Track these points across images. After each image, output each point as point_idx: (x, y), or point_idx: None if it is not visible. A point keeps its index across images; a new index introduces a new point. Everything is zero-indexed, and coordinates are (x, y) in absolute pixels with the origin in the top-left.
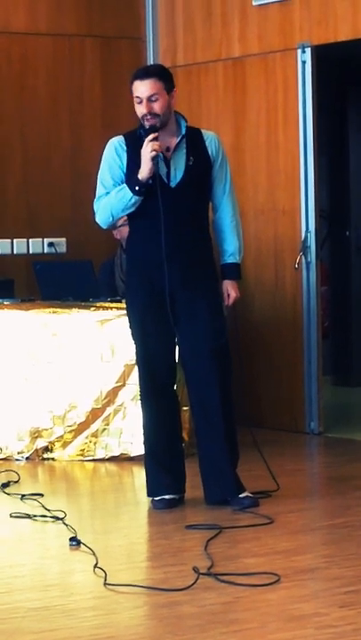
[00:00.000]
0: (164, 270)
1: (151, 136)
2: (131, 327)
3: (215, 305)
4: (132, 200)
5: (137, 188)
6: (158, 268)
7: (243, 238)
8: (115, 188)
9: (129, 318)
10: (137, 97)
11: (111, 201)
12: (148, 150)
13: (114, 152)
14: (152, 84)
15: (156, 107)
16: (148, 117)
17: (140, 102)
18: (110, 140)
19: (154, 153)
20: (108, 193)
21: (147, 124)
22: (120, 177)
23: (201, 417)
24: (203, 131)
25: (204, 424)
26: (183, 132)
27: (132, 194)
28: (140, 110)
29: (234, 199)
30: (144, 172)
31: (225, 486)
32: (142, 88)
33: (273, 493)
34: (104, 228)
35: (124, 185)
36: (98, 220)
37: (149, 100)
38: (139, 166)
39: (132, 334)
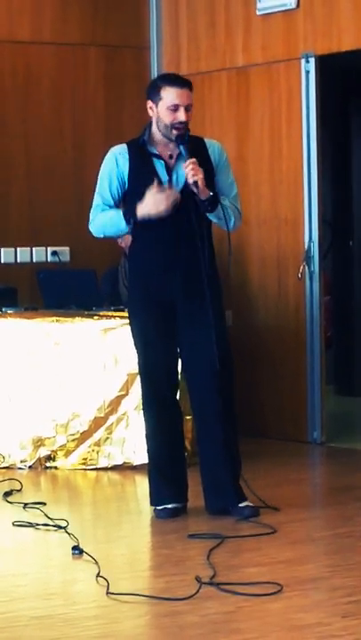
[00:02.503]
0: (166, 280)
1: (193, 160)
2: (133, 336)
3: (217, 315)
4: (126, 229)
5: (132, 221)
6: (160, 277)
7: (245, 247)
8: (111, 210)
9: (131, 327)
10: (174, 104)
11: (105, 222)
12: (189, 175)
13: (114, 162)
14: (190, 95)
15: (189, 117)
16: (180, 126)
17: (176, 109)
18: (111, 149)
19: (197, 178)
20: (104, 203)
21: (175, 133)
22: (117, 188)
23: (202, 426)
24: (206, 139)
25: (204, 433)
26: (179, 151)
27: (125, 224)
28: (175, 117)
29: (237, 206)
30: (145, 213)
31: (225, 495)
32: (184, 96)
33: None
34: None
35: (120, 212)
36: (91, 230)
37: (186, 109)
38: (141, 174)
39: (135, 344)
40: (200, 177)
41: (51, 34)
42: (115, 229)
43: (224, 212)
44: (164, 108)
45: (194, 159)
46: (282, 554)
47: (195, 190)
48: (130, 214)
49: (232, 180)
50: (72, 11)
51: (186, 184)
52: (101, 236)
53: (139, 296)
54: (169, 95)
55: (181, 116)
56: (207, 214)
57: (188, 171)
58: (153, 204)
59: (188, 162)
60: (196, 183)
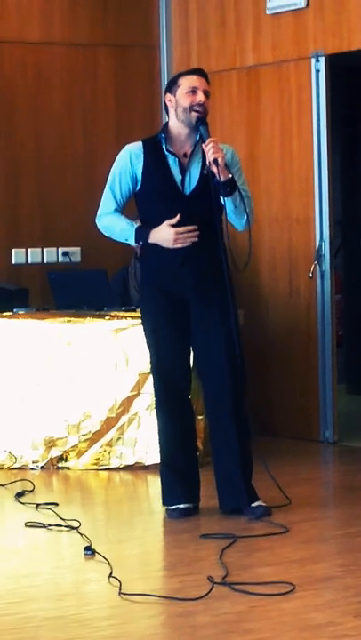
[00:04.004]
0: (179, 277)
1: (214, 139)
2: (145, 334)
3: (230, 314)
4: (133, 244)
5: (141, 242)
6: (172, 275)
7: (257, 247)
8: (123, 221)
9: (143, 326)
10: (193, 87)
11: (114, 230)
12: (209, 153)
13: (128, 160)
14: (206, 83)
15: (207, 103)
16: (198, 108)
17: (195, 92)
18: (126, 146)
19: (217, 156)
20: (114, 198)
21: (194, 115)
22: (128, 187)
23: (215, 426)
24: (219, 144)
25: (217, 433)
26: (197, 137)
27: (134, 241)
28: (193, 98)
29: (248, 200)
30: (158, 240)
31: (237, 495)
32: (200, 81)
33: (284, 507)
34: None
35: (133, 228)
36: (98, 225)
37: (204, 93)
38: (156, 171)
39: (147, 342)
40: (221, 155)
41: (61, 34)
42: (121, 240)
43: (242, 198)
44: (183, 93)
45: (215, 139)
46: (294, 553)
47: (215, 170)
48: (142, 237)
49: (244, 181)
50: (81, 11)
51: (197, 185)
52: (107, 235)
53: (151, 294)
54: (186, 81)
55: (200, 97)
56: (224, 200)
57: (209, 149)
58: (167, 238)
59: (208, 140)
60: (216, 161)
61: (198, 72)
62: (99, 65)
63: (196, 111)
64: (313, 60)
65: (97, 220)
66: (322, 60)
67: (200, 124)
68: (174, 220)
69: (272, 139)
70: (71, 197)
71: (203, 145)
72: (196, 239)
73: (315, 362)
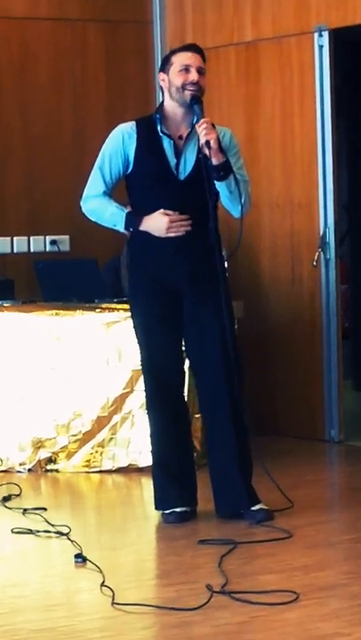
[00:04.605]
0: (171, 266)
1: (207, 120)
2: (135, 328)
3: (225, 305)
4: (121, 230)
5: (131, 229)
6: (166, 265)
7: (257, 233)
8: (112, 205)
9: (133, 318)
10: (185, 64)
11: (103, 213)
12: (202, 135)
13: (120, 140)
14: (201, 60)
15: (202, 81)
16: (192, 87)
17: (188, 70)
18: (119, 126)
19: (210, 138)
20: (103, 179)
21: (189, 94)
22: (118, 169)
23: (211, 425)
24: (216, 126)
25: (213, 432)
26: (194, 119)
27: (123, 228)
28: (186, 77)
29: (245, 184)
30: (150, 228)
31: (236, 498)
32: (193, 58)
33: (287, 510)
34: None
35: (123, 214)
36: (82, 208)
37: (198, 71)
38: (150, 154)
39: (136, 335)
40: (213, 137)
41: (47, 9)
42: (109, 225)
43: (237, 183)
44: (175, 72)
45: (208, 119)
46: (298, 560)
47: (207, 153)
48: (132, 223)
49: (241, 165)
50: None
51: (193, 170)
52: (92, 219)
53: (141, 284)
54: (179, 58)
55: (193, 75)
56: (218, 184)
57: (202, 130)
58: (160, 227)
59: (201, 121)
60: (208, 143)
61: (192, 48)
62: (88, 42)
63: (190, 90)
64: (316, 35)
65: (82, 203)
66: (325, 34)
67: (194, 103)
68: (170, 212)
69: (273, 118)
70: (60, 182)
71: (196, 125)
72: (190, 228)
73: (319, 356)
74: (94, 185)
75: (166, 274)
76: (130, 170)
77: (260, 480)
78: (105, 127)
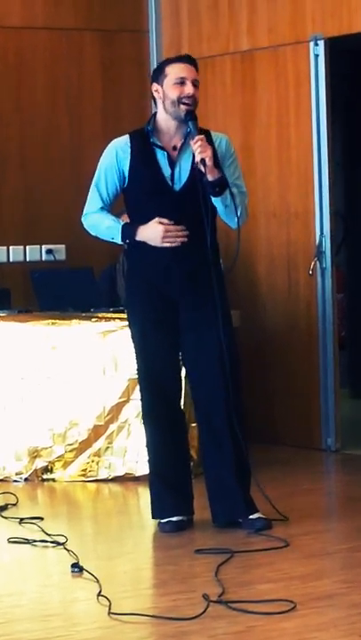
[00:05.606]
0: (168, 276)
1: (202, 137)
2: (132, 337)
3: (222, 314)
4: (119, 242)
5: (128, 240)
6: (162, 275)
7: (254, 242)
8: (108, 218)
9: (130, 327)
10: (180, 77)
11: (100, 228)
12: (197, 152)
13: (114, 157)
14: (195, 72)
15: (196, 93)
16: (187, 101)
17: (183, 83)
18: (113, 142)
19: (204, 156)
20: (100, 196)
21: (184, 108)
22: (115, 184)
23: (207, 433)
24: (212, 132)
25: (209, 441)
26: (187, 130)
27: (120, 240)
28: (182, 90)
29: (245, 203)
30: (146, 238)
31: (233, 506)
32: (187, 70)
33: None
34: None
35: (119, 226)
36: (84, 224)
37: (193, 83)
38: (144, 167)
39: (133, 342)
40: (209, 154)
41: (43, 18)
42: (108, 238)
43: (232, 198)
44: (170, 85)
45: (202, 136)
46: (295, 569)
47: (202, 169)
48: (128, 235)
49: (239, 175)
50: None
51: (188, 180)
52: (93, 234)
53: (138, 292)
54: (173, 70)
55: (189, 89)
56: (213, 199)
57: (196, 147)
58: (155, 236)
59: (196, 138)
60: (203, 161)
61: (186, 59)
62: (84, 51)
63: (185, 104)
64: (312, 44)
65: (83, 220)
66: (321, 43)
67: (189, 119)
68: (165, 221)
69: (268, 128)
70: (56, 191)
71: (191, 142)
72: (186, 239)
73: (316, 365)
74: (92, 202)
75: (163, 283)
76: (126, 183)
77: (255, 490)
78: (101, 135)
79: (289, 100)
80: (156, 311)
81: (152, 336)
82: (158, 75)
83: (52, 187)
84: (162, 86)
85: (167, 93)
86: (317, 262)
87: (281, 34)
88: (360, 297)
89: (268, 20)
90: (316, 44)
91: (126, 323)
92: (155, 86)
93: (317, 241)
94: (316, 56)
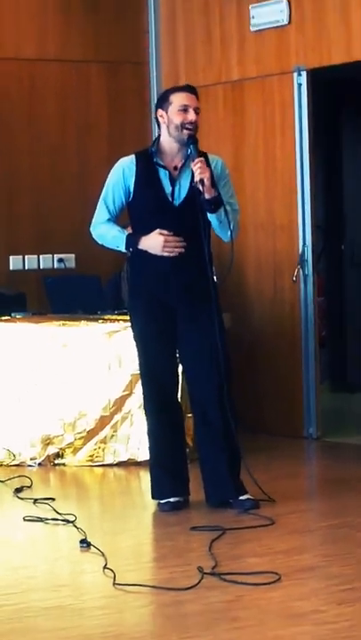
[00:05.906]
0: (168, 283)
1: (201, 159)
2: (134, 337)
3: (216, 321)
4: (124, 251)
5: (131, 249)
6: (162, 284)
7: (243, 252)
8: (114, 228)
9: (132, 330)
10: (184, 104)
11: (106, 237)
12: (197, 173)
13: (121, 174)
14: (197, 100)
15: (198, 120)
16: (190, 127)
17: (186, 110)
18: (120, 161)
19: (203, 176)
20: (107, 209)
21: (186, 133)
22: (121, 200)
23: (201, 424)
24: (209, 154)
25: (204, 431)
26: (188, 152)
27: (124, 248)
28: (185, 117)
29: (237, 219)
30: (148, 247)
31: (224, 489)
32: (190, 99)
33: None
34: None
35: (124, 235)
36: (92, 234)
37: (195, 111)
38: (148, 185)
39: (136, 346)
40: (207, 175)
41: (55, 51)
42: (113, 247)
43: (226, 214)
44: (175, 111)
45: (202, 158)
46: (280, 544)
47: (200, 188)
48: (132, 244)
49: (232, 194)
50: (74, 28)
51: (187, 196)
52: (100, 243)
53: (139, 298)
54: (178, 98)
55: (191, 115)
56: (209, 215)
57: (197, 169)
58: (156, 245)
59: (196, 160)
60: (202, 181)
61: (189, 89)
62: (91, 81)
63: (188, 129)
64: (295, 75)
65: (91, 229)
66: (303, 74)
67: (191, 143)
68: (165, 232)
69: (256, 149)
70: (66, 207)
71: (191, 164)
72: (184, 250)
73: (299, 361)
74: (100, 214)
75: (162, 289)
76: (131, 198)
77: (245, 474)
78: (107, 158)
79: (275, 125)
80: (156, 317)
81: (152, 340)
82: (163, 102)
83: (62, 203)
84: (166, 112)
85: (171, 119)
86: (300, 270)
87: (268, 65)
88: (338, 300)
89: (256, 53)
90: (300, 75)
91: (129, 324)
92: (160, 112)
93: (300, 250)
94: (300, 85)
